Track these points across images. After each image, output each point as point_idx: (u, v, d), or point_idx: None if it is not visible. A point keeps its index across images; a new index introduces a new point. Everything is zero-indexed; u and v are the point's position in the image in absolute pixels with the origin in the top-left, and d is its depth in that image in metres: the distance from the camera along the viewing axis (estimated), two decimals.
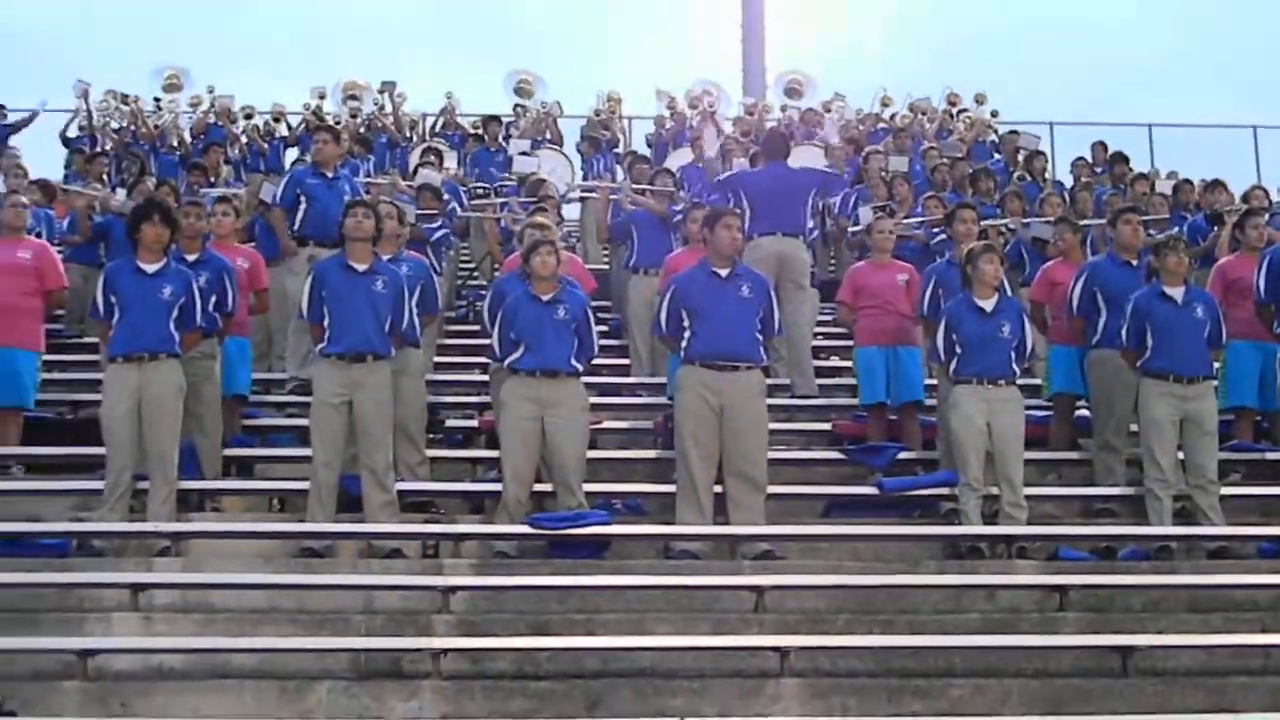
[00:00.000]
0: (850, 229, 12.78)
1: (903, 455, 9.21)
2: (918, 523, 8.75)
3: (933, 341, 8.81)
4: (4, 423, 9.14)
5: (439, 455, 9.24)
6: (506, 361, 8.38)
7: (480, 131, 17.68)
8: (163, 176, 14.61)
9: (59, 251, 10.60)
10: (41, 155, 17.17)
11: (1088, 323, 9.14)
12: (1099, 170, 16.20)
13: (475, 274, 14.36)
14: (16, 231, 9.67)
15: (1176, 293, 8.68)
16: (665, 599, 7.64)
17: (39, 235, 10.64)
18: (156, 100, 19.12)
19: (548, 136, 17.33)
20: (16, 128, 16.66)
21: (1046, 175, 16.17)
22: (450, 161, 15.34)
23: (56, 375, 10.42)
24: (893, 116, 19.18)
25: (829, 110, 19.04)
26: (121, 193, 12.37)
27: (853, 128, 18.26)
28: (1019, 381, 8.71)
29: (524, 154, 14.96)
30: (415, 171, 13.71)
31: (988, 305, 8.57)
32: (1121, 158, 15.88)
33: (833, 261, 14.19)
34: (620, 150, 18.10)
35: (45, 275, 9.55)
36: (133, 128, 18.50)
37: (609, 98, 19.44)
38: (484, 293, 12.02)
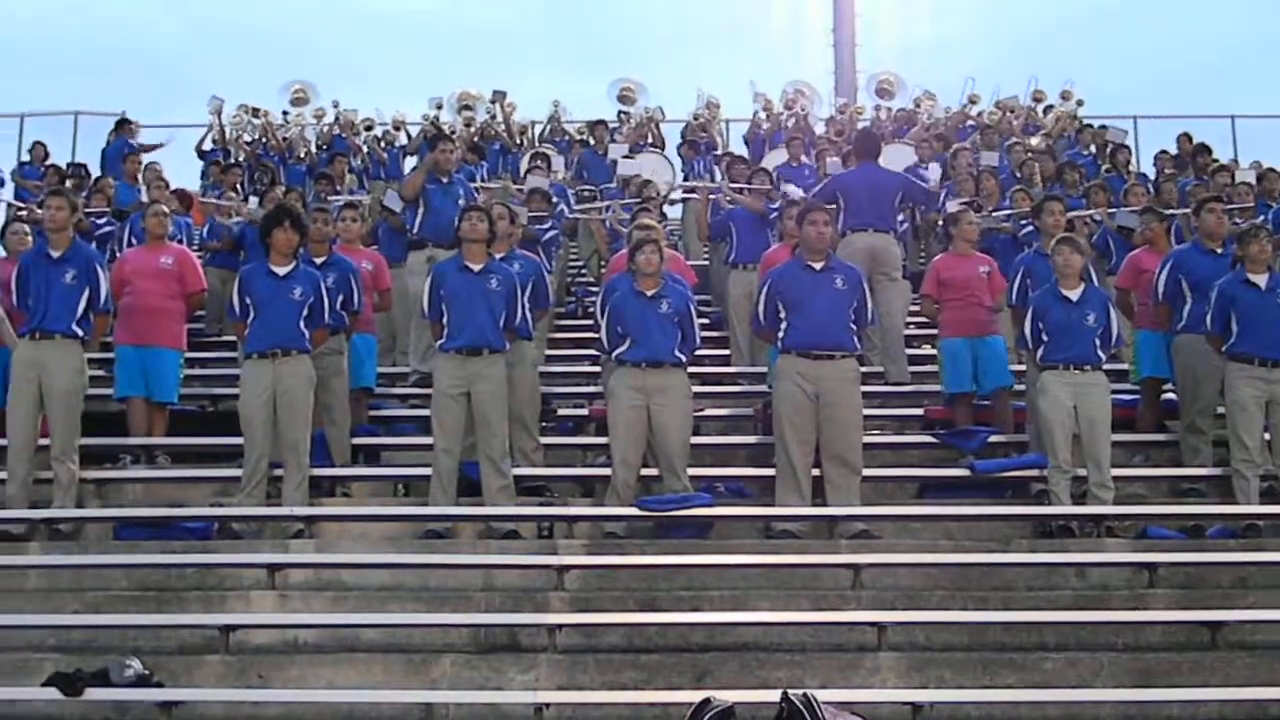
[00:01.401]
0: (940, 223, 12.64)
1: (993, 439, 9.09)
2: (1009, 503, 8.64)
3: (1020, 329, 8.71)
4: (151, 416, 9.36)
5: (552, 442, 9.29)
6: (615, 354, 8.42)
7: (586, 137, 17.74)
8: (291, 185, 14.84)
9: (198, 256, 10.81)
10: (179, 167, 17.54)
11: (1173, 309, 8.96)
12: (1182, 161, 15.83)
13: (583, 271, 14.42)
14: (159, 239, 9.91)
15: (1261, 279, 8.49)
16: (766, 577, 7.62)
17: (179, 241, 10.85)
18: (285, 114, 19.38)
19: (650, 140, 17.31)
20: (145, 149, 16.95)
21: (1131, 168, 15.83)
22: (558, 166, 15.43)
23: (198, 371, 10.63)
24: (980, 114, 18.90)
25: (919, 108, 18.83)
26: (254, 201, 12.59)
27: (941, 125, 18.02)
28: (1106, 367, 8.57)
29: (627, 157, 14.98)
30: (526, 176, 13.79)
31: (1073, 294, 8.45)
32: (1204, 149, 15.52)
33: (923, 254, 14.04)
34: (719, 152, 18.04)
35: (186, 279, 9.76)
36: (263, 140, 18.80)
37: (708, 103, 19.37)
38: (592, 289, 12.12)
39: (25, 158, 17.31)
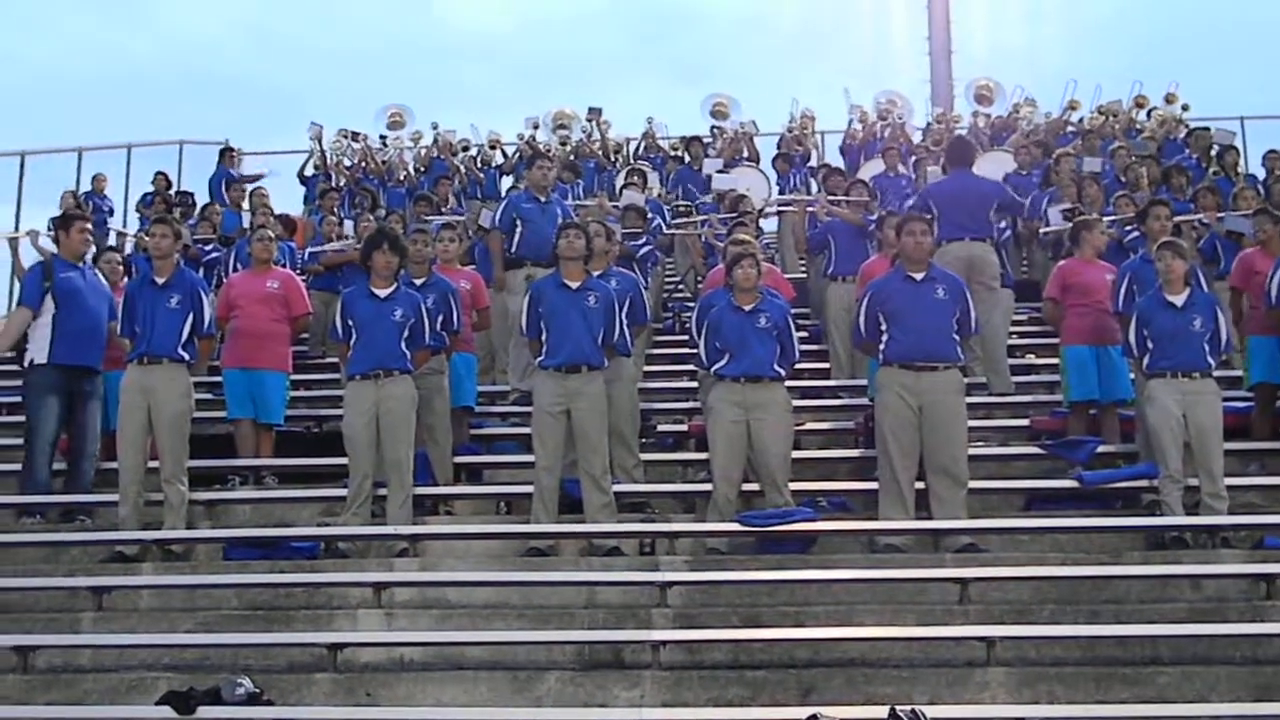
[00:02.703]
0: (1042, 230, 12.46)
1: (1102, 449, 8.92)
2: (1120, 515, 8.46)
3: (1125, 337, 8.55)
4: (258, 437, 9.54)
5: (652, 458, 9.29)
6: (713, 369, 8.40)
7: (681, 152, 17.76)
8: (392, 208, 15.04)
9: (302, 280, 10.99)
10: (282, 193, 17.86)
11: None
12: None
13: (680, 287, 14.42)
14: (264, 263, 10.09)
15: None
16: (871, 592, 7.54)
17: (284, 266, 11.03)
18: (383, 137, 19.67)
19: (745, 154, 17.29)
20: (246, 180, 17.27)
21: (1239, 170, 15.47)
22: (654, 182, 15.46)
23: (303, 393, 10.81)
24: (1080, 119, 18.61)
25: (1018, 114, 18.60)
26: (349, 225, 12.79)
27: (1041, 131, 17.77)
28: (1217, 373, 8.38)
29: (722, 172, 14.97)
30: (621, 192, 13.84)
31: (1178, 300, 8.28)
32: None
33: (1025, 262, 13.86)
34: (815, 164, 17.96)
35: (292, 303, 9.94)
36: (363, 164, 19.08)
37: (802, 115, 19.31)
38: (689, 304, 12.10)
39: (135, 187, 17.78)
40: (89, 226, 9.84)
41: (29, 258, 12.22)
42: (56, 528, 8.92)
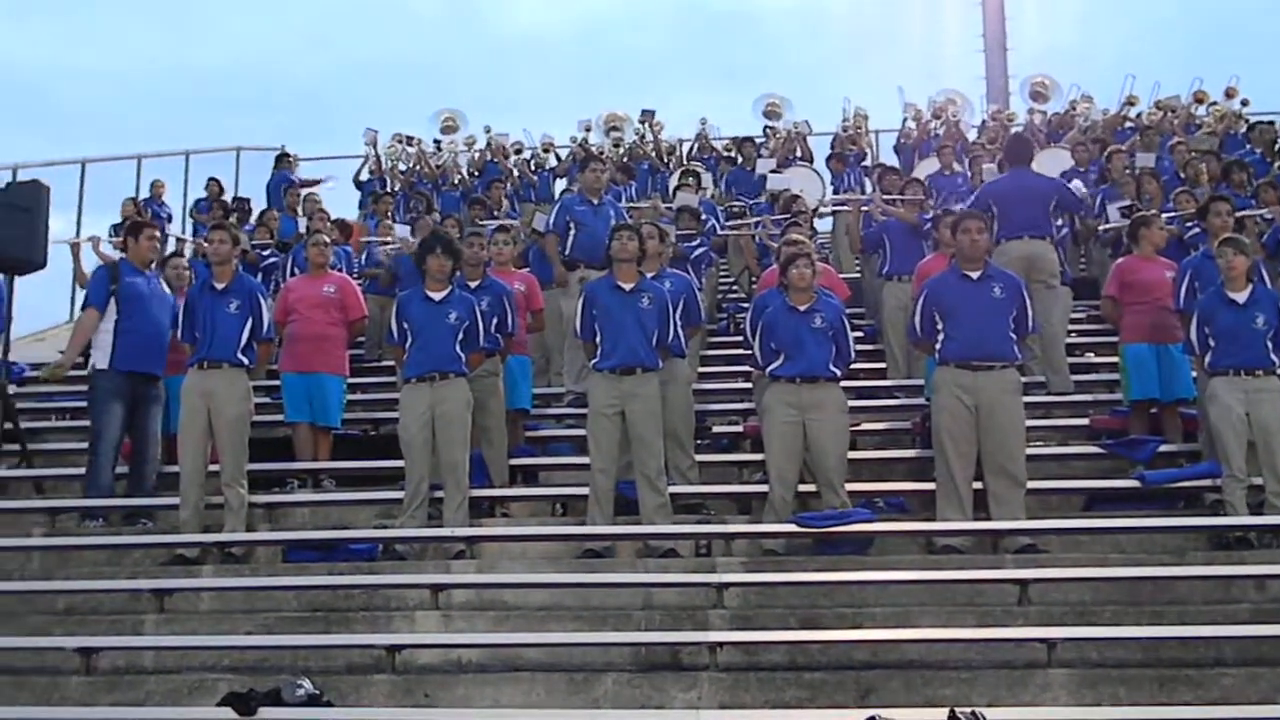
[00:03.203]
0: (1100, 228, 12.33)
1: (1164, 448, 8.82)
2: (1182, 514, 8.35)
3: (1187, 334, 8.44)
4: (316, 441, 9.61)
5: (707, 460, 9.28)
6: (768, 369, 8.38)
7: (733, 153, 17.73)
8: (446, 212, 15.13)
9: (358, 283, 11.07)
10: (338, 198, 18.03)
11: None
12: None
13: (734, 288, 14.40)
14: (321, 268, 10.17)
15: None
16: (930, 593, 7.49)
17: (340, 270, 11.11)
18: (436, 142, 19.78)
19: (798, 154, 17.24)
20: (305, 184, 17.43)
21: None
22: (707, 183, 15.44)
23: (359, 396, 10.88)
24: (1139, 115, 18.41)
25: (1075, 111, 18.42)
26: (403, 229, 12.87)
27: (1099, 128, 17.60)
28: None
29: (775, 172, 14.93)
30: (675, 194, 13.84)
31: (1240, 297, 8.17)
32: None
33: (1083, 260, 13.72)
34: (869, 163, 17.88)
35: (348, 306, 10.01)
36: (417, 168, 19.19)
37: (856, 114, 19.23)
38: (744, 305, 12.08)
39: (193, 193, 17.99)
40: (158, 234, 9.96)
41: (89, 264, 12.38)
42: (119, 531, 9.05)
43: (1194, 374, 8.79)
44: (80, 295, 11.94)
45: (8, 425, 9.84)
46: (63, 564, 8.73)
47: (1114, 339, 9.83)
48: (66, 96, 53.05)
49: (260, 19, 53.26)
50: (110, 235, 14.65)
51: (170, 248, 14.12)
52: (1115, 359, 9.68)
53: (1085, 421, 9.63)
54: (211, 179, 17.90)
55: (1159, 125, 17.16)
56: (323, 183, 17.90)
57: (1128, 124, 17.97)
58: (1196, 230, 10.47)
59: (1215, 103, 18.25)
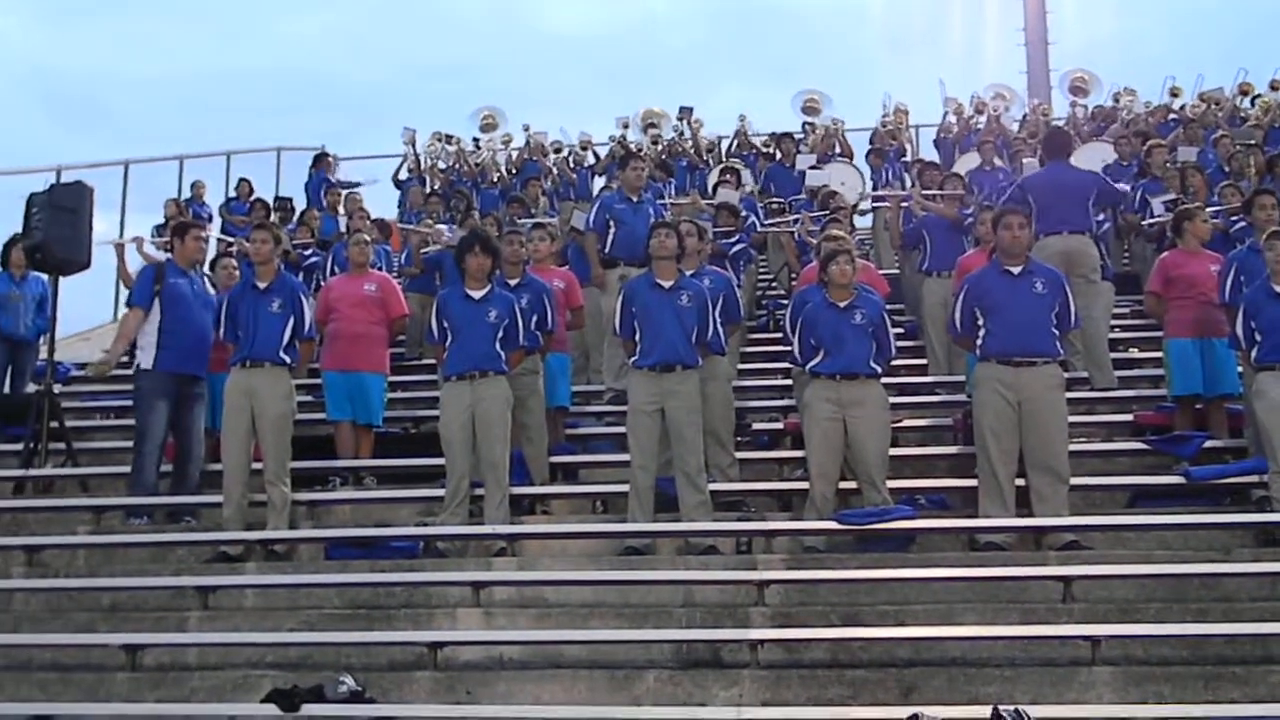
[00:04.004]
0: (1145, 222, 12.24)
1: (1209, 444, 8.73)
2: (1229, 511, 8.26)
3: (1233, 329, 8.35)
4: (358, 439, 9.66)
5: (747, 457, 9.26)
6: (808, 366, 8.35)
7: (773, 149, 17.69)
8: (485, 210, 15.17)
9: (398, 282, 11.11)
10: (377, 196, 18.11)
11: None
12: None
13: (774, 284, 14.37)
14: (361, 267, 10.22)
15: None
16: (973, 590, 7.44)
17: (380, 269, 11.16)
18: (475, 140, 19.82)
19: (838, 150, 17.19)
20: (344, 186, 17.53)
21: None
22: (747, 179, 15.41)
23: (400, 394, 10.94)
24: (1182, 107, 18.25)
25: (1118, 104, 18.28)
26: (442, 227, 12.90)
27: (1142, 121, 17.45)
28: None
29: (814, 168, 14.89)
30: (715, 191, 13.82)
31: None
32: None
33: (1126, 254, 13.62)
34: (908, 159, 17.80)
35: (389, 305, 10.06)
36: (456, 166, 19.25)
37: (896, 109, 19.15)
38: (783, 302, 12.06)
39: (232, 194, 18.09)
40: (204, 234, 10.04)
41: (134, 264, 12.48)
42: (163, 528, 9.13)
43: (1240, 369, 8.70)
44: (124, 295, 12.08)
45: (54, 424, 9.95)
46: (108, 561, 8.83)
47: (1158, 334, 9.74)
48: (116, 102, 53.68)
49: (303, 19, 53.67)
50: (153, 235, 14.78)
51: (211, 248, 14.24)
52: (1159, 354, 9.59)
53: (1129, 417, 9.55)
54: (242, 179, 18.02)
55: (1203, 118, 17.00)
56: (363, 185, 17.99)
57: (1171, 117, 17.82)
58: (1242, 224, 10.38)
59: (1260, 95, 18.05)
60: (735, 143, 19.33)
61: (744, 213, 12.59)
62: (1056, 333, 8.14)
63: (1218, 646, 6.79)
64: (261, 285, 8.94)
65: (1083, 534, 7.92)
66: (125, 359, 9.96)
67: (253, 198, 17.11)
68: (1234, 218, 10.95)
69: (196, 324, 9.31)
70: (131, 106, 52.70)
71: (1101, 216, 10.83)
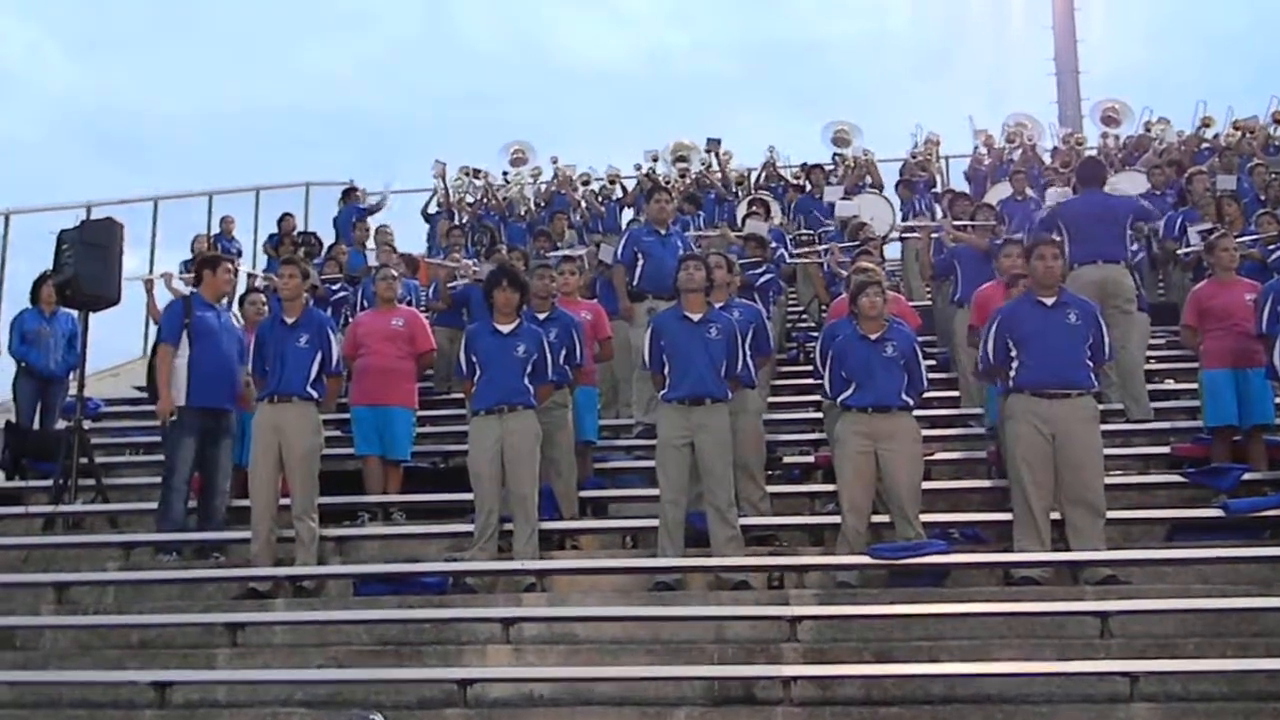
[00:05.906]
0: (1181, 251, 12.18)
1: (1248, 476, 8.65)
2: (1269, 544, 8.17)
3: (1270, 359, 8.29)
4: (386, 474, 9.68)
5: (778, 491, 9.23)
6: (839, 399, 8.33)
7: (802, 181, 17.71)
8: (513, 244, 15.22)
9: (426, 317, 11.16)
10: (406, 231, 18.17)
11: None
12: None
13: (804, 316, 14.35)
14: (389, 302, 10.26)
15: None
16: (1008, 625, 7.39)
17: (408, 303, 11.20)
18: (505, 174, 19.91)
19: (868, 182, 17.19)
20: (371, 211, 17.63)
21: None
22: (776, 211, 15.43)
23: (428, 429, 10.95)
24: (1215, 136, 18.19)
25: (1149, 133, 18.23)
26: (469, 261, 12.94)
27: (1175, 150, 17.40)
28: None
29: (844, 199, 14.89)
30: (744, 223, 13.83)
31: None
32: None
33: (1161, 284, 13.55)
34: (939, 189, 17.79)
35: (416, 339, 10.09)
36: (484, 200, 19.32)
37: (926, 139, 19.16)
38: (813, 334, 12.04)
39: (264, 229, 18.21)
40: (233, 268, 10.10)
41: (163, 300, 12.56)
42: (191, 564, 9.17)
43: (1277, 400, 8.63)
44: (153, 330, 12.14)
45: (83, 460, 10.01)
46: (137, 597, 8.85)
47: (1195, 365, 9.68)
48: (148, 137, 54.23)
49: (331, 54, 54.17)
50: (181, 271, 14.87)
51: (241, 284, 14.32)
52: (1195, 385, 9.53)
53: (1166, 450, 9.50)
54: (286, 214, 18.11)
55: (1237, 146, 16.94)
56: (383, 199, 18.06)
57: (1204, 146, 17.76)
58: (1279, 253, 10.32)
59: None
60: (764, 174, 19.36)
61: (773, 244, 12.60)
62: (1091, 364, 8.10)
63: (1259, 682, 6.72)
64: (289, 320, 8.99)
65: (1120, 568, 7.84)
66: (145, 394, 9.99)
67: (295, 232, 17.23)
68: (1271, 246, 10.90)
69: (224, 357, 9.35)
70: (162, 142, 53.22)
71: (1136, 246, 10.79)
